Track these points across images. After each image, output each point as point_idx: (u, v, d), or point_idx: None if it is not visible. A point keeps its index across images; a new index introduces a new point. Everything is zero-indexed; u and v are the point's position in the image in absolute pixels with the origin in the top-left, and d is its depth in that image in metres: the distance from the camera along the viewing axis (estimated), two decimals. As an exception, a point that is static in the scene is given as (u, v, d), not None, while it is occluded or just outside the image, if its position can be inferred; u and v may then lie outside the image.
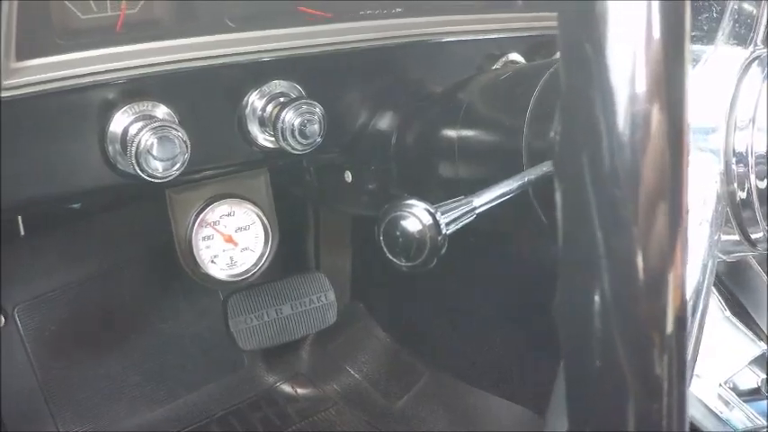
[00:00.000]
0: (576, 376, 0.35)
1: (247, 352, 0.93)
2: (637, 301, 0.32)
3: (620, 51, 0.31)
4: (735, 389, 0.95)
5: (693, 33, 0.56)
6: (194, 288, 0.76)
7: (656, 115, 0.30)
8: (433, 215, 0.44)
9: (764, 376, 0.89)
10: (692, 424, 0.87)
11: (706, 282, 0.48)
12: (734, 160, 0.50)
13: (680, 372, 0.33)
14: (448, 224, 0.45)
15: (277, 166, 0.72)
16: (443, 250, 0.44)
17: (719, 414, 0.88)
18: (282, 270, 0.88)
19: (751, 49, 0.54)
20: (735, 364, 0.90)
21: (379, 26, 0.70)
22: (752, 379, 0.90)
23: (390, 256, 0.46)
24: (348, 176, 0.73)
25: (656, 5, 0.30)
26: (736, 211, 0.51)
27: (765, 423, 0.89)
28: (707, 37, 0.55)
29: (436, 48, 0.73)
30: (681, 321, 0.32)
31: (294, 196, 0.86)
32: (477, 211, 0.48)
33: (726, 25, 0.55)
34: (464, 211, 0.47)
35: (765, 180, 0.51)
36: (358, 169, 0.72)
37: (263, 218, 0.70)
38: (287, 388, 0.98)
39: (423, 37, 0.72)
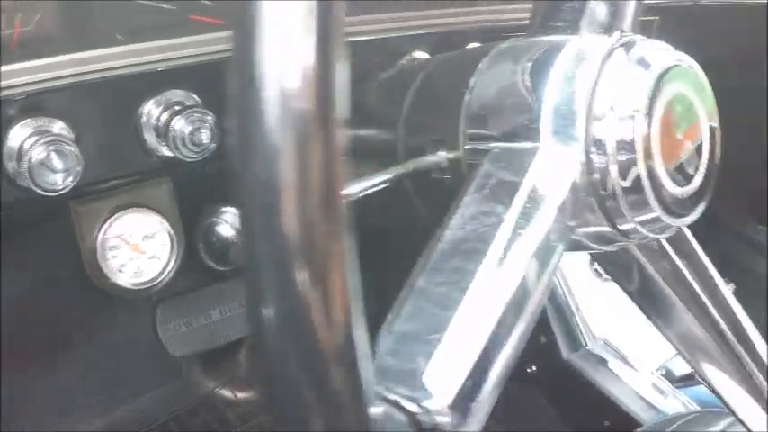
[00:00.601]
0: (265, 391, 0.35)
1: (185, 358, 0.94)
2: (300, 311, 0.31)
3: (271, 48, 0.31)
4: (668, 375, 0.95)
5: (558, 24, 0.57)
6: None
7: (307, 116, 0.30)
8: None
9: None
10: (628, 416, 0.87)
11: (548, 270, 0.47)
12: (594, 150, 0.50)
13: (355, 378, 0.33)
14: None
15: (181, 174, 0.72)
16: None
17: (654, 404, 0.88)
18: (212, 276, 0.89)
19: (616, 36, 0.54)
20: (667, 350, 0.90)
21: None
22: (685, 365, 0.90)
23: (210, 261, 0.47)
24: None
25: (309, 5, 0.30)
26: (600, 202, 0.51)
27: (699, 409, 0.89)
28: (571, 27, 0.55)
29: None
30: (348, 329, 0.32)
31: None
32: None
33: (589, 13, 0.55)
34: None
35: (632, 170, 0.50)
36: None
37: (168, 226, 0.71)
38: (226, 392, 0.98)
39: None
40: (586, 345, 0.91)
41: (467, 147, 0.55)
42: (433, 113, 0.59)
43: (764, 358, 0.61)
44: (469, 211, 0.47)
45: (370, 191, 0.55)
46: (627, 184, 0.50)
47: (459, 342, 0.41)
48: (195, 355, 0.92)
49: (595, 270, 0.93)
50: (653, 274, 0.60)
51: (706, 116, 0.56)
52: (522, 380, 0.92)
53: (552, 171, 0.50)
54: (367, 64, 0.74)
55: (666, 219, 0.53)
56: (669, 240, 0.59)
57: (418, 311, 0.43)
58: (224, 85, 0.71)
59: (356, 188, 0.54)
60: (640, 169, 0.50)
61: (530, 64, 0.54)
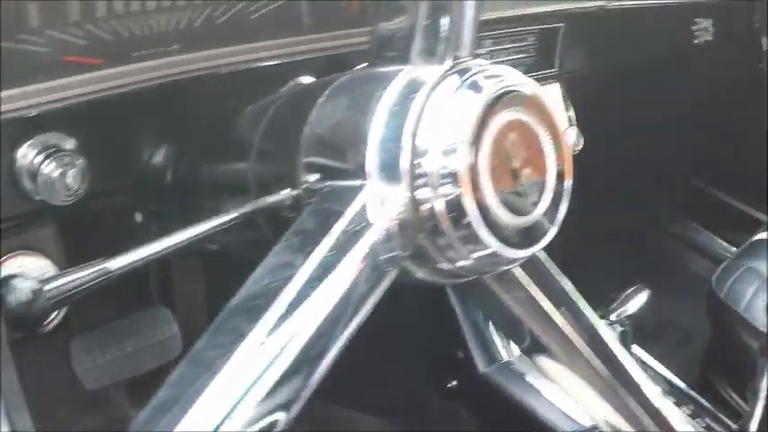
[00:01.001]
0: None
1: (108, 391, 0.94)
2: None
3: None
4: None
5: (391, 54, 0.56)
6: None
7: None
8: (35, 291, 0.46)
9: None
10: (548, 428, 0.85)
11: (369, 300, 0.46)
12: (420, 184, 0.49)
13: None
14: (62, 294, 0.47)
15: (66, 216, 0.72)
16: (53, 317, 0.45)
17: (573, 416, 0.87)
18: (128, 309, 0.89)
19: (448, 63, 0.53)
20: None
21: (155, 66, 0.71)
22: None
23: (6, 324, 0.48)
24: (138, 217, 0.74)
25: None
26: (431, 239, 0.50)
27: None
28: (404, 56, 0.54)
29: (216, 79, 0.73)
30: None
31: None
32: (113, 274, 0.49)
33: (420, 41, 0.54)
34: (87, 279, 0.48)
35: (459, 204, 0.48)
36: (144, 209, 0.73)
37: (57, 269, 0.71)
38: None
39: (201, 71, 0.72)
40: (503, 359, 0.90)
41: (305, 185, 0.54)
42: (277, 149, 0.59)
43: (633, 378, 0.60)
44: (274, 261, 0.46)
45: (134, 266, 0.52)
46: (455, 219, 0.49)
47: (204, 414, 0.39)
48: (118, 386, 0.93)
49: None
50: (509, 305, 0.58)
51: (551, 140, 0.54)
52: (444, 395, 0.91)
53: (376, 209, 0.49)
54: (250, 92, 0.74)
55: (506, 252, 0.51)
56: (524, 268, 0.58)
57: (184, 377, 0.41)
58: (101, 125, 0.71)
59: (120, 262, 0.52)
60: (466, 203, 0.48)
61: (360, 98, 0.53)
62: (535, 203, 0.53)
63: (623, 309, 0.84)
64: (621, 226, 1.45)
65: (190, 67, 0.72)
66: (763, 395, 0.69)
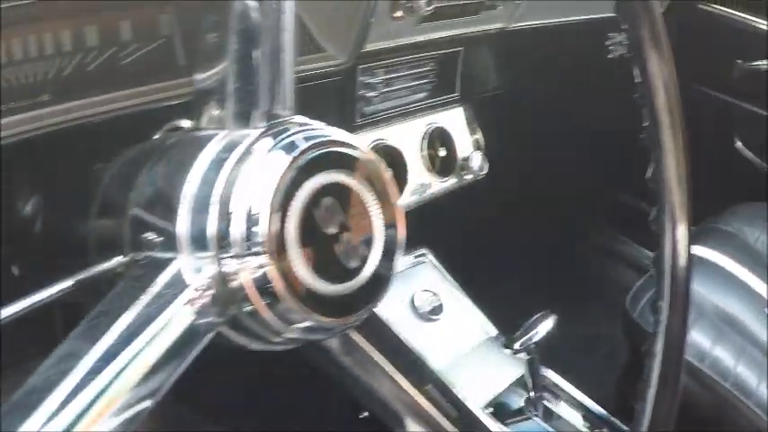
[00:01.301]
0: None
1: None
2: None
3: None
4: (501, 412, 0.92)
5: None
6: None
7: None
8: None
9: (526, 395, 0.87)
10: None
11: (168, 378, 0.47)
12: (227, 255, 0.47)
13: None
14: None
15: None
16: None
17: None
18: (37, 352, 0.89)
19: (263, 127, 0.51)
20: (496, 386, 0.88)
21: (24, 119, 0.70)
22: (516, 400, 0.88)
23: None
24: (15, 270, 0.74)
25: None
26: (246, 312, 0.48)
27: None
28: (219, 119, 0.53)
29: (88, 128, 0.72)
30: None
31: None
32: None
33: (231, 105, 0.53)
34: None
35: (267, 275, 0.47)
36: (20, 261, 0.73)
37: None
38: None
39: (73, 121, 0.71)
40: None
41: (129, 255, 0.53)
42: (109, 212, 0.58)
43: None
44: (62, 350, 0.46)
45: (56, 296, 0.53)
46: (263, 290, 0.47)
47: None
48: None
49: (418, 311, 0.92)
50: (347, 367, 0.57)
51: (377, 204, 0.52)
52: (356, 424, 0.91)
53: (188, 281, 0.48)
54: (124, 140, 0.73)
55: (327, 321, 0.49)
56: (359, 330, 0.57)
57: None
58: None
59: (45, 294, 0.52)
60: (271, 273, 0.47)
61: (177, 163, 0.52)
62: (358, 269, 0.51)
63: (528, 336, 0.83)
64: (546, 241, 1.44)
65: (61, 117, 0.72)
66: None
